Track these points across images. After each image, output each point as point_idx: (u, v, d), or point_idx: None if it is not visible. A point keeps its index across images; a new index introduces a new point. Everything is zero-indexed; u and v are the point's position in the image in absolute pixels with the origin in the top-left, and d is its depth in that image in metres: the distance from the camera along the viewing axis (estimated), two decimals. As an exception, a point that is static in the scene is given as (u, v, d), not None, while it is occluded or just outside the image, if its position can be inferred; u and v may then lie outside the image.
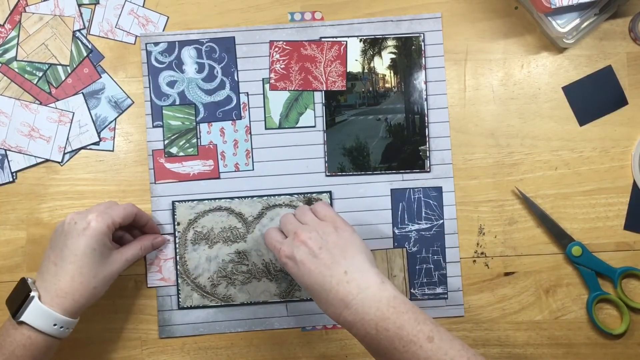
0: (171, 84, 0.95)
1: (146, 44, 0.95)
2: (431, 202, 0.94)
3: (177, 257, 0.94)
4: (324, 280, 0.76)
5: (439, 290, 0.94)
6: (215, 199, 0.94)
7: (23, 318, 0.79)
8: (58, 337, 0.81)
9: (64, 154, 0.95)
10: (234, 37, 0.95)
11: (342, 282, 0.75)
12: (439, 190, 0.94)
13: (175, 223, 0.94)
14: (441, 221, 0.94)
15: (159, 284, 0.94)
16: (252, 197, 0.94)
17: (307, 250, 0.77)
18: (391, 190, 0.95)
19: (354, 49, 0.95)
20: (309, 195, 0.94)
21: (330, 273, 0.76)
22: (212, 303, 0.94)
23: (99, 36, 0.96)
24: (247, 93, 0.95)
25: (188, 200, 0.94)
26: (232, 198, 0.94)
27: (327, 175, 0.95)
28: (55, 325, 0.79)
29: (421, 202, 0.95)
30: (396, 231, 0.94)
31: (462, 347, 0.72)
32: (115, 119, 0.95)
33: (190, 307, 0.94)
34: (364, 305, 0.74)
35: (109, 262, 0.84)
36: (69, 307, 0.80)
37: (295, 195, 0.94)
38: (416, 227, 0.95)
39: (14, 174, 0.95)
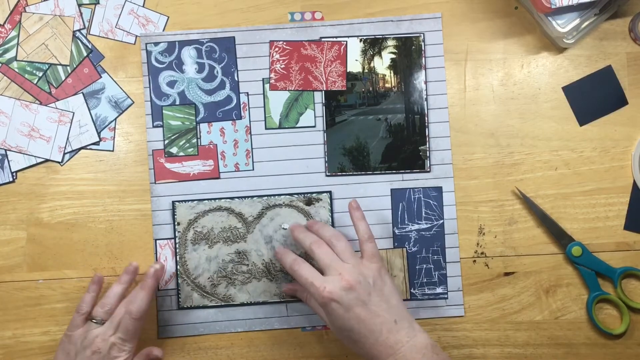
0: (171, 84, 0.95)
1: (146, 44, 0.95)
2: (431, 202, 0.94)
3: (177, 257, 0.94)
4: (374, 327, 0.77)
5: (439, 290, 0.94)
6: (215, 199, 0.94)
7: None
8: None
9: (64, 154, 0.95)
10: (234, 37, 0.95)
11: (392, 331, 0.77)
12: (439, 190, 0.94)
13: (176, 223, 0.94)
14: (441, 221, 0.94)
15: (160, 286, 0.94)
16: (252, 197, 0.94)
17: (356, 295, 0.77)
18: (391, 190, 0.95)
19: (354, 49, 0.95)
20: (309, 195, 0.94)
21: (381, 321, 0.77)
22: (212, 303, 0.94)
23: (99, 36, 0.96)
24: (247, 93, 0.95)
25: (188, 200, 0.94)
26: (232, 198, 0.94)
27: (327, 175, 0.95)
28: None
29: (421, 202, 0.95)
30: (396, 231, 0.94)
31: None
32: (115, 119, 0.95)
33: (190, 307, 0.94)
34: (412, 352, 0.77)
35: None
36: None
37: (295, 195, 0.94)
38: (416, 227, 0.95)
39: (14, 174, 0.95)
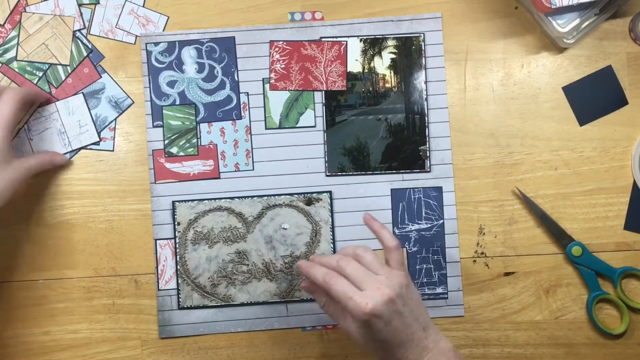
0: (171, 84, 0.95)
1: (146, 43, 0.95)
2: (431, 202, 0.94)
3: (177, 257, 0.94)
4: (406, 338, 0.76)
5: (439, 290, 0.94)
6: (215, 198, 0.94)
7: None
8: None
9: (64, 153, 0.95)
10: (234, 37, 0.95)
11: (422, 339, 0.77)
12: (439, 190, 0.94)
13: (176, 223, 0.94)
14: (441, 221, 0.94)
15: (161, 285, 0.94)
16: (252, 197, 0.94)
17: (395, 307, 0.76)
18: (391, 190, 0.95)
19: (354, 49, 0.95)
20: (309, 195, 0.94)
21: (412, 330, 0.77)
22: (212, 303, 0.94)
23: (99, 36, 0.96)
24: (247, 93, 0.95)
25: (188, 200, 0.94)
26: (232, 198, 0.94)
27: (327, 175, 0.95)
28: None
29: (421, 202, 0.95)
30: (396, 231, 0.94)
31: None
32: (115, 119, 0.95)
33: (190, 307, 0.94)
34: (438, 357, 0.77)
35: (10, 167, 0.86)
36: None
37: (296, 195, 0.94)
38: (416, 227, 0.95)
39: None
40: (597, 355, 0.93)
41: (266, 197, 0.94)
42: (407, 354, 0.76)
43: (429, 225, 0.95)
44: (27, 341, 0.94)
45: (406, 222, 0.95)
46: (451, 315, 0.94)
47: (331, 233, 0.93)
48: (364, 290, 0.75)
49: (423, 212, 0.95)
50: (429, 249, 0.94)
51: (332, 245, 0.93)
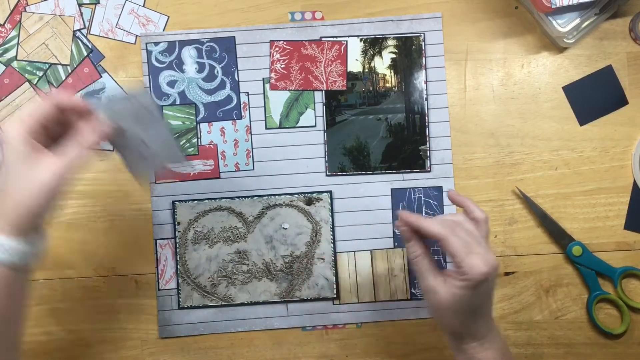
0: (171, 84, 0.95)
1: (146, 43, 0.95)
2: (431, 201, 0.94)
3: (178, 256, 0.94)
4: (487, 307, 0.76)
5: (439, 290, 0.94)
6: (215, 198, 0.94)
7: None
8: (14, 266, 0.71)
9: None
10: (234, 37, 0.95)
11: (489, 315, 0.76)
12: (439, 190, 0.94)
13: (176, 223, 0.94)
14: (441, 221, 0.94)
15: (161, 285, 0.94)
16: (253, 197, 0.94)
17: (494, 276, 0.74)
18: (391, 190, 0.95)
19: (354, 48, 0.95)
20: (309, 195, 0.94)
21: (489, 304, 0.76)
22: (212, 303, 0.94)
23: (99, 36, 0.96)
24: (248, 93, 0.95)
25: (188, 200, 0.94)
26: (232, 198, 0.94)
27: (327, 175, 0.95)
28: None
29: (421, 202, 0.95)
30: (396, 231, 0.94)
31: None
32: (115, 118, 0.95)
33: (191, 307, 0.94)
34: (498, 338, 0.76)
35: (38, 169, 0.70)
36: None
37: (296, 195, 0.94)
38: (417, 227, 0.94)
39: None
40: (597, 355, 0.93)
41: (266, 197, 0.94)
42: (483, 322, 0.75)
43: (429, 225, 0.94)
44: (27, 341, 0.94)
45: (406, 222, 0.95)
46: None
47: (331, 233, 0.93)
48: (473, 251, 0.72)
49: (423, 212, 0.94)
50: (430, 248, 0.94)
51: (332, 245, 0.93)
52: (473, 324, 0.74)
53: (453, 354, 0.78)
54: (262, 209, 0.94)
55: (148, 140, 0.79)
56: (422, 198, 0.95)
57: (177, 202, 0.94)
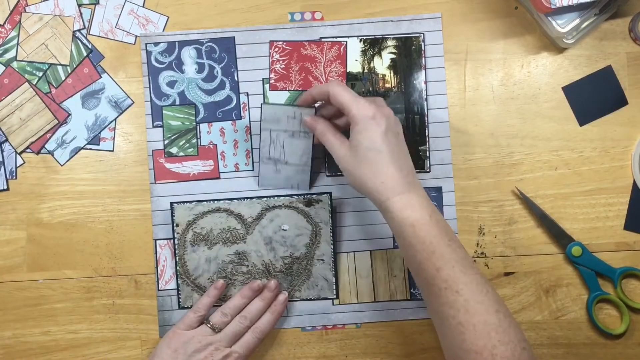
0: (171, 84, 0.95)
1: (146, 44, 0.95)
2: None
3: (177, 258, 0.94)
4: (398, 159, 0.78)
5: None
6: (214, 200, 0.94)
7: None
8: None
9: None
10: (234, 37, 0.95)
11: (410, 173, 0.78)
12: (439, 190, 0.94)
13: (174, 224, 0.94)
14: (441, 221, 0.94)
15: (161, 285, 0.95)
16: (252, 198, 0.94)
17: (394, 126, 0.78)
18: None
19: (354, 49, 0.95)
20: (309, 196, 0.94)
21: (404, 161, 0.79)
22: (214, 304, 0.94)
23: (99, 36, 0.96)
24: (247, 93, 0.95)
25: (186, 202, 0.94)
26: (231, 199, 0.94)
27: (327, 176, 0.95)
28: None
29: (421, 202, 0.94)
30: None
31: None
32: (115, 119, 0.95)
33: (191, 307, 0.94)
34: (424, 196, 0.78)
35: None
36: None
37: (295, 197, 0.94)
38: (416, 226, 0.94)
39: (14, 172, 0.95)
40: (597, 355, 0.93)
41: (265, 199, 0.94)
42: (395, 177, 0.77)
43: (429, 225, 0.94)
44: (27, 341, 0.94)
45: (406, 221, 0.94)
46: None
47: (331, 234, 0.93)
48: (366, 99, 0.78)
49: (423, 212, 0.94)
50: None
51: (331, 246, 0.93)
52: (381, 177, 0.77)
53: None
54: (261, 211, 0.94)
55: (288, 153, 0.90)
56: (422, 198, 0.94)
57: (175, 204, 0.94)
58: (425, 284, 0.76)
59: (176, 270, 0.94)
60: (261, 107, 0.89)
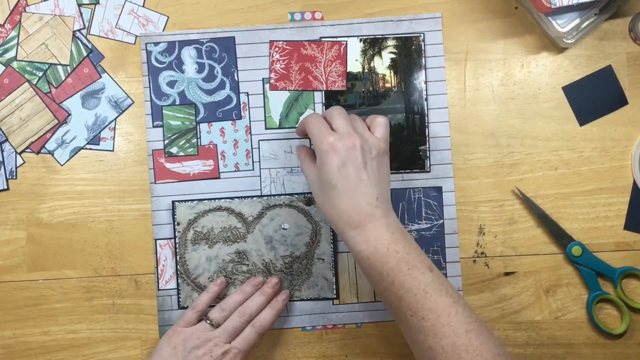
0: (171, 84, 0.95)
1: (146, 44, 0.95)
2: (431, 202, 0.94)
3: (177, 257, 0.94)
4: (355, 193, 0.78)
5: (439, 290, 0.94)
6: (215, 198, 0.94)
7: None
8: None
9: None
10: (234, 37, 0.95)
11: (371, 204, 0.78)
12: (439, 190, 0.94)
13: (175, 223, 0.94)
14: (441, 221, 0.94)
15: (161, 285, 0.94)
16: (252, 197, 0.94)
17: (356, 156, 0.78)
18: (391, 190, 0.94)
19: (354, 49, 0.95)
20: (309, 195, 0.94)
21: (364, 192, 0.78)
22: (212, 303, 0.94)
23: (99, 36, 0.96)
24: (247, 93, 0.95)
25: (188, 200, 0.94)
26: (232, 198, 0.94)
27: (327, 175, 0.95)
28: None
29: (421, 202, 0.95)
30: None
31: (453, 287, 0.78)
32: (115, 119, 0.95)
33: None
34: (383, 229, 0.78)
35: None
36: None
37: (295, 196, 0.94)
38: (416, 227, 0.94)
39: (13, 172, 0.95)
40: (597, 355, 0.93)
41: (266, 197, 0.94)
42: (350, 211, 0.78)
43: (429, 225, 0.94)
44: (27, 341, 0.94)
45: (406, 222, 0.95)
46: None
47: (331, 233, 0.93)
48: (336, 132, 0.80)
49: (423, 212, 0.94)
50: (429, 249, 0.94)
51: (332, 246, 0.93)
52: (339, 207, 0.78)
53: None
54: (262, 210, 0.94)
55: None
56: (422, 198, 0.94)
57: (176, 202, 0.94)
58: (391, 310, 0.78)
59: (176, 269, 0.94)
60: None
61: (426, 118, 0.95)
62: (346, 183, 0.78)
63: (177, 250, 0.94)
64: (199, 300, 0.90)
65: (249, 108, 0.95)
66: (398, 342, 0.94)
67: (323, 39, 0.95)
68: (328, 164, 0.78)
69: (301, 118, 0.92)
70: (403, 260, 0.76)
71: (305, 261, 0.94)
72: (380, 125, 0.83)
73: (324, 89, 0.95)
